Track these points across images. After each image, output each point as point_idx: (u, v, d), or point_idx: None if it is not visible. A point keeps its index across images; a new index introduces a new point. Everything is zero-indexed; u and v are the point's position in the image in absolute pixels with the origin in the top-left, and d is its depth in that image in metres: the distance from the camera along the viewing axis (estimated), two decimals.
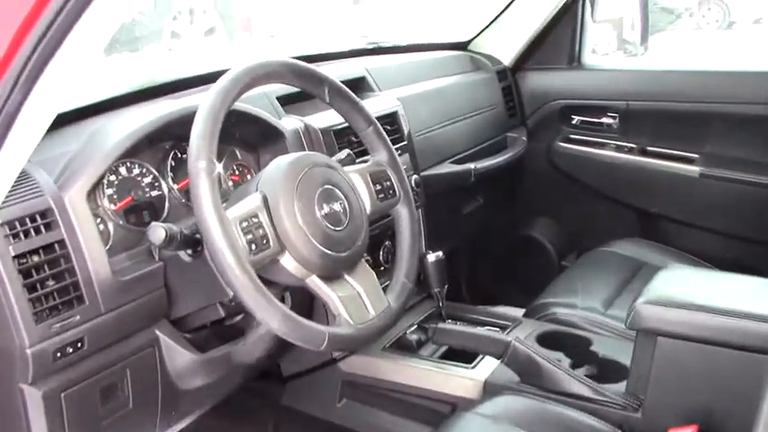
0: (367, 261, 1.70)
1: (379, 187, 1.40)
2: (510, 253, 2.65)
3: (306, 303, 1.58)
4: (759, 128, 2.19)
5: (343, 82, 1.85)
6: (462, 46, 2.53)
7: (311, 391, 1.78)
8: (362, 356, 1.72)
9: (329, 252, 1.21)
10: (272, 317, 1.11)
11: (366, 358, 1.72)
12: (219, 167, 1.52)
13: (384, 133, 1.44)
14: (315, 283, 1.22)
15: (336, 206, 1.25)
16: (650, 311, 1.39)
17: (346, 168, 1.38)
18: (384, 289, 1.34)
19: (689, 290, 1.46)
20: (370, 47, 2.25)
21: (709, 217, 2.31)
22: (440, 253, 1.78)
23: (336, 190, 1.27)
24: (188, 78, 1.66)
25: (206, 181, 1.10)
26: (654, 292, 1.44)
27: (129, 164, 1.37)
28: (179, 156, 1.46)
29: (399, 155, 1.82)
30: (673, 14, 9.51)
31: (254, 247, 1.13)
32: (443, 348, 1.75)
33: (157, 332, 1.32)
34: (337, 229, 1.24)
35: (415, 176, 1.86)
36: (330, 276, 1.24)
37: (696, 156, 2.30)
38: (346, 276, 1.27)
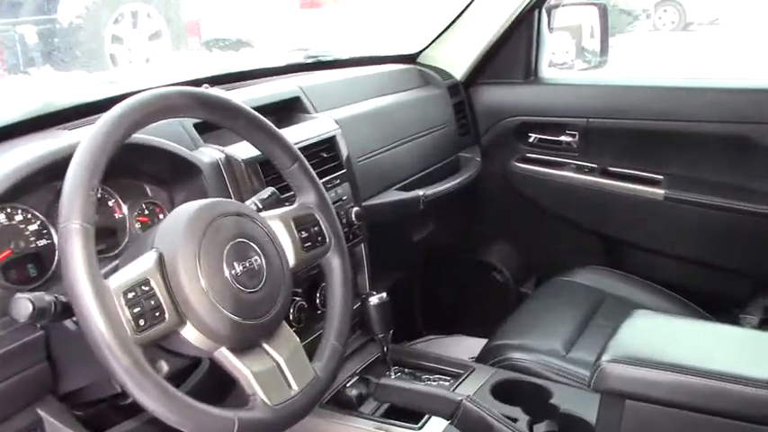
0: (301, 306, 1.55)
1: (305, 234, 1.21)
2: (466, 280, 2.49)
3: None
4: (729, 148, 2.05)
5: (273, 103, 1.69)
6: (411, 58, 2.35)
7: None
8: None
9: (241, 320, 1.02)
10: (161, 406, 0.92)
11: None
12: (124, 209, 1.32)
13: (311, 170, 1.26)
14: (224, 356, 1.03)
15: (250, 263, 1.06)
16: (616, 371, 1.22)
17: (266, 214, 1.19)
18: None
19: (660, 343, 1.29)
20: (308, 61, 2.06)
21: (675, 243, 2.16)
22: (383, 294, 1.60)
23: (251, 243, 1.08)
24: (92, 103, 1.44)
25: (78, 246, 0.90)
26: (620, 347, 1.27)
27: (8, 209, 1.16)
28: None
29: (338, 184, 1.66)
30: (630, 16, 9.57)
31: (142, 322, 0.93)
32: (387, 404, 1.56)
33: (40, 412, 1.11)
34: (252, 290, 1.05)
35: (355, 209, 1.67)
36: (243, 348, 1.05)
37: (661, 177, 2.15)
38: (264, 345, 1.08)
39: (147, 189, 1.37)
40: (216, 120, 1.15)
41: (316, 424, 1.51)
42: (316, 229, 1.22)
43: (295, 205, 1.24)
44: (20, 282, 1.14)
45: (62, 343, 1.09)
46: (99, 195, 1.27)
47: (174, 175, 1.37)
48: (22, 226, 1.17)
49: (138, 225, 1.34)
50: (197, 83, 1.65)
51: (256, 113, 1.19)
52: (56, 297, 0.97)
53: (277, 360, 1.08)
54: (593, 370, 1.25)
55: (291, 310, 1.52)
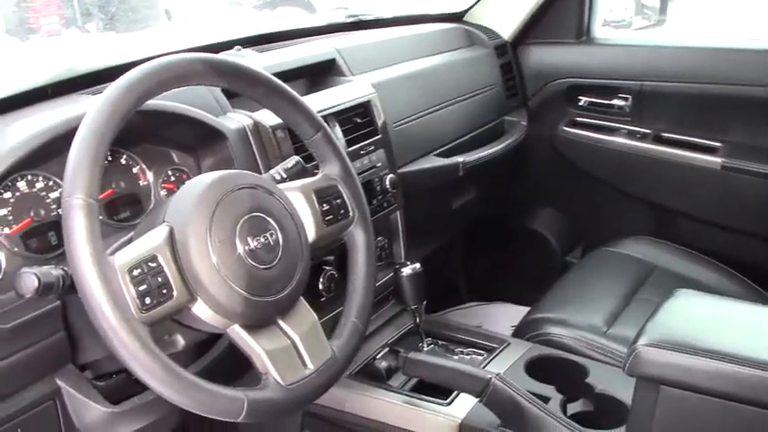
0: (331, 275, 1.51)
1: (326, 207, 1.17)
2: (510, 247, 2.43)
3: None
4: None
5: (307, 66, 1.64)
6: (457, 17, 2.26)
7: (271, 423, 1.57)
8: None
9: (254, 297, 0.99)
10: (165, 386, 0.90)
11: (331, 388, 1.50)
12: (149, 176, 1.30)
13: (335, 140, 1.21)
14: (237, 333, 1.00)
15: (266, 238, 1.03)
16: (652, 356, 1.16)
17: (285, 186, 1.15)
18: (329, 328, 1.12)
19: (702, 327, 1.22)
20: (348, 21, 1.99)
21: (732, 214, 2.05)
22: (417, 264, 1.56)
23: (267, 218, 1.04)
24: (114, 67, 1.41)
25: (82, 221, 0.88)
26: (657, 329, 1.20)
27: (29, 176, 1.15)
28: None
29: (373, 150, 1.61)
30: None
31: (147, 300, 0.91)
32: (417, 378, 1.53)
33: (59, 382, 1.10)
34: (266, 267, 1.02)
35: (390, 175, 1.62)
36: (257, 325, 1.02)
37: (718, 145, 2.03)
38: (279, 322, 1.05)
39: (174, 155, 1.35)
40: (232, 87, 1.11)
41: (344, 395, 1.49)
42: (338, 201, 1.18)
43: (318, 176, 1.19)
44: (40, 250, 1.13)
45: (79, 314, 1.08)
46: (124, 162, 1.27)
47: (200, 142, 1.34)
48: (43, 194, 1.16)
49: (163, 192, 1.32)
50: (229, 45, 1.62)
51: (276, 80, 1.14)
52: (64, 271, 0.95)
53: (292, 338, 1.04)
54: (627, 353, 1.19)
55: (321, 279, 1.49)
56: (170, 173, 1.33)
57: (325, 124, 1.20)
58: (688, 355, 1.13)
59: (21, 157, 1.07)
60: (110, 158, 1.25)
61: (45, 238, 1.15)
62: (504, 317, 2.14)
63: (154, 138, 1.31)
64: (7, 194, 1.11)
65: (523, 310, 2.05)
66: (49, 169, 1.17)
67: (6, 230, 1.11)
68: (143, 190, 1.30)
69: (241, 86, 1.11)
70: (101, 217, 1.19)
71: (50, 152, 1.13)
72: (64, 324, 1.08)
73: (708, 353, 1.12)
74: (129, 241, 1.02)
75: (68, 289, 0.97)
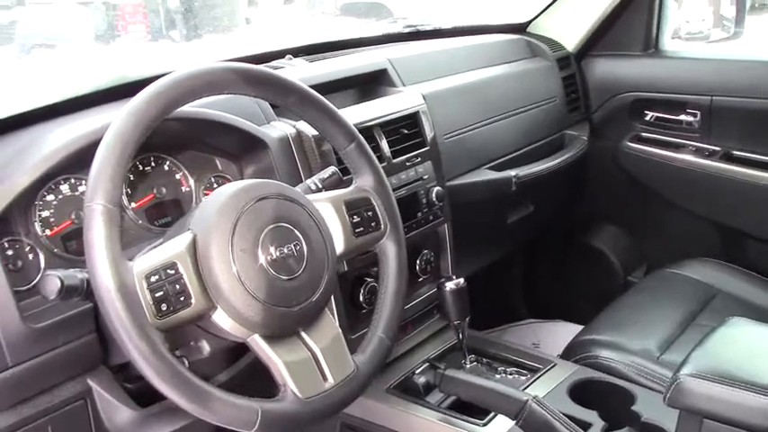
0: (373, 288, 1.49)
1: (357, 219, 1.15)
2: (570, 264, 2.36)
3: None
4: None
5: (357, 76, 1.63)
6: (520, 28, 2.21)
7: None
8: (364, 398, 1.48)
9: (274, 307, 0.99)
10: (178, 394, 0.90)
11: (367, 401, 1.48)
12: (191, 182, 1.31)
13: (369, 151, 1.20)
14: (257, 343, 1.00)
15: (290, 249, 1.02)
16: (694, 387, 1.10)
17: (316, 197, 1.14)
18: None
19: (751, 358, 1.15)
20: (405, 31, 1.97)
21: None
22: (461, 280, 1.52)
23: (292, 228, 1.03)
24: (158, 76, 1.44)
25: (101, 226, 0.89)
26: (703, 359, 1.14)
27: (73, 180, 1.18)
28: (140, 168, 1.26)
29: (419, 162, 1.59)
30: None
31: (164, 306, 0.91)
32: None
33: (90, 382, 1.12)
34: (289, 277, 1.01)
35: (437, 188, 1.59)
36: (278, 335, 1.01)
37: None
38: (302, 333, 1.04)
39: (217, 162, 1.36)
40: (265, 96, 1.12)
41: (381, 409, 1.47)
42: (369, 213, 1.16)
43: (350, 188, 1.18)
44: (79, 253, 1.16)
45: None
46: (167, 168, 1.28)
47: (243, 150, 1.35)
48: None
49: (204, 198, 1.33)
50: (281, 54, 1.63)
51: (309, 89, 1.14)
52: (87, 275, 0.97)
53: (313, 350, 1.03)
54: (669, 382, 1.13)
55: (362, 291, 1.48)
56: (213, 180, 1.35)
57: (360, 135, 1.19)
58: (732, 388, 1.07)
59: (60, 160, 1.10)
60: (153, 164, 1.27)
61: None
62: (562, 335, 2.07)
63: (198, 145, 1.32)
64: (50, 197, 1.15)
65: (581, 329, 1.99)
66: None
67: (48, 232, 1.14)
68: (185, 196, 1.32)
69: (273, 96, 1.12)
70: (141, 222, 1.22)
71: (93, 156, 1.16)
72: (96, 326, 1.10)
73: (754, 386, 1.06)
74: (156, 247, 1.03)
75: (91, 293, 0.98)
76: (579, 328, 2.04)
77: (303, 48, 1.68)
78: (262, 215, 1.01)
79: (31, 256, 1.12)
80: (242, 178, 1.37)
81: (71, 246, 1.16)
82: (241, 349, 1.24)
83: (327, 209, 1.13)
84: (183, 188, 1.32)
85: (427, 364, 1.56)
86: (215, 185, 1.35)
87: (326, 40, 1.77)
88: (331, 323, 1.08)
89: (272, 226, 1.01)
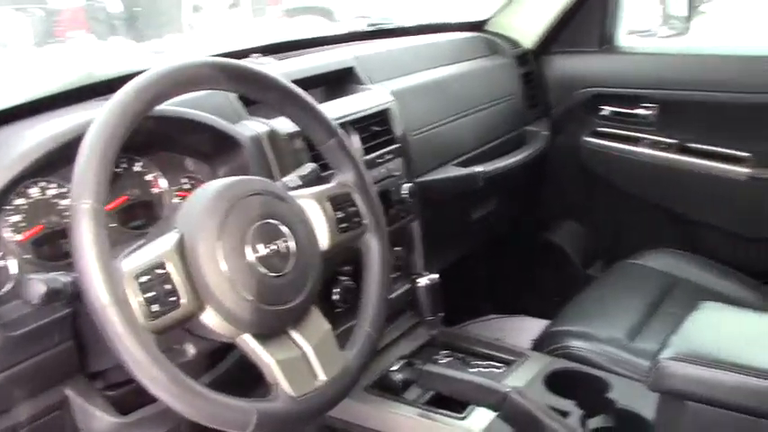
0: (348, 286, 1.49)
1: (341, 215, 1.14)
2: (531, 259, 2.38)
3: None
4: None
5: (325, 74, 1.63)
6: (478, 26, 2.23)
7: None
8: None
9: (264, 306, 0.97)
10: (172, 396, 0.88)
11: (346, 401, 1.47)
12: (164, 183, 1.29)
13: (350, 147, 1.19)
14: (246, 343, 0.98)
15: (277, 245, 1.01)
16: (677, 370, 1.12)
17: (299, 192, 1.13)
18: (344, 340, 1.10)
19: (728, 340, 1.18)
20: (368, 29, 1.97)
21: (758, 226, 2.00)
22: (435, 276, 1.54)
23: (279, 224, 1.02)
24: (132, 74, 1.40)
25: (89, 226, 0.86)
26: (682, 343, 1.17)
27: (42, 183, 1.14)
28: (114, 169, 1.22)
29: (390, 159, 1.59)
30: None
31: (155, 308, 0.89)
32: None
33: (68, 391, 1.09)
34: (278, 274, 1.00)
35: (408, 185, 1.60)
36: (267, 334, 1.00)
37: (746, 155, 1.98)
38: (291, 332, 1.03)
39: (188, 163, 1.34)
40: (246, 92, 1.10)
41: (359, 408, 1.47)
42: (353, 209, 1.16)
43: (332, 183, 1.17)
44: (51, 258, 1.12)
45: (89, 322, 1.06)
46: (138, 169, 1.25)
47: (215, 149, 1.33)
48: (56, 201, 1.15)
49: (176, 200, 1.30)
50: (247, 53, 1.61)
51: (290, 85, 1.13)
52: (73, 278, 0.94)
53: (304, 348, 1.02)
54: (650, 367, 1.15)
55: (337, 291, 1.47)
56: (184, 180, 1.32)
57: (340, 130, 1.18)
58: (714, 369, 1.10)
59: (31, 162, 1.06)
60: (124, 166, 1.24)
61: (56, 246, 1.14)
62: (524, 330, 2.11)
63: (169, 145, 1.30)
64: (20, 201, 1.11)
65: (544, 323, 2.01)
66: (62, 176, 1.16)
67: (18, 237, 1.10)
68: (156, 197, 1.29)
69: (254, 91, 1.10)
70: (114, 224, 1.18)
71: (63, 158, 1.12)
72: (73, 333, 1.07)
73: (734, 367, 1.09)
74: (140, 248, 1.01)
75: (77, 296, 0.95)
76: (541, 322, 2.07)
77: (270, 46, 1.66)
78: (249, 212, 1.00)
79: (0, 263, 1.08)
80: (214, 178, 1.35)
81: (43, 251, 1.12)
82: (221, 351, 1.22)
83: (311, 205, 1.11)
84: (155, 190, 1.29)
85: (403, 361, 1.56)
86: (186, 186, 1.32)
87: (292, 39, 1.75)
88: (320, 320, 1.07)
89: (259, 223, 1.00)
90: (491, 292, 2.44)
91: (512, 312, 2.34)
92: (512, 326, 2.31)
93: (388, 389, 1.49)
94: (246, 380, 1.15)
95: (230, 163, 1.34)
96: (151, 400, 1.18)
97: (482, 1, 2.35)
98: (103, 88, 1.35)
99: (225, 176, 1.31)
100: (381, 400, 1.46)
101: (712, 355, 1.12)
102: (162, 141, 1.28)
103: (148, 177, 1.28)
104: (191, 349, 1.08)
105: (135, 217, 1.24)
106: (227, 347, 1.22)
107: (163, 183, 1.29)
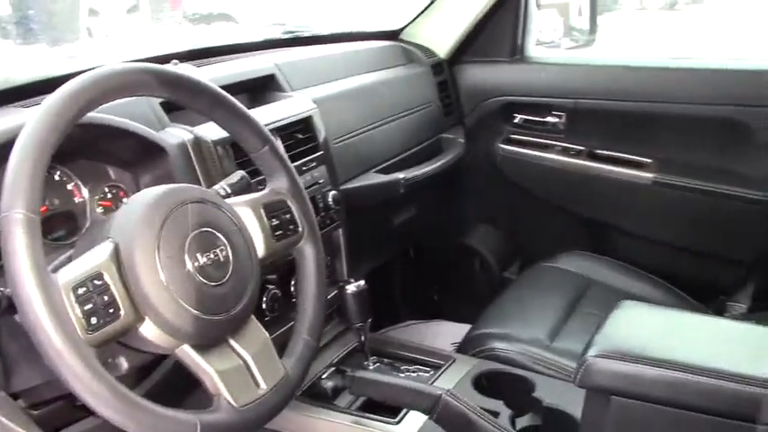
0: (275, 295, 1.47)
1: (276, 222, 1.13)
2: (448, 264, 2.42)
3: None
4: (719, 131, 1.98)
5: (246, 81, 1.61)
6: (393, 35, 2.26)
7: None
8: None
9: (204, 315, 0.95)
10: (114, 411, 0.85)
11: None
12: (84, 193, 1.24)
13: (283, 154, 1.18)
14: (186, 354, 0.96)
15: (215, 254, 0.99)
16: (603, 366, 1.16)
17: (233, 200, 1.11)
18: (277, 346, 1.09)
19: (649, 337, 1.23)
20: (286, 37, 1.96)
21: (663, 228, 2.10)
22: (361, 282, 1.54)
23: (216, 233, 1.00)
24: (52, 78, 1.35)
25: (22, 237, 0.82)
26: (607, 340, 1.21)
27: None
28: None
29: (315, 167, 1.58)
30: None
31: (94, 320, 0.86)
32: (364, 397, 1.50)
33: None
34: (217, 283, 0.98)
35: (332, 192, 1.60)
36: (207, 344, 0.98)
37: (649, 161, 2.08)
38: (230, 341, 1.01)
39: (110, 171, 1.29)
40: (178, 99, 1.07)
41: (290, 417, 1.45)
42: (287, 216, 1.15)
43: (265, 191, 1.16)
44: None
45: (13, 338, 1.02)
46: (58, 178, 1.20)
47: (139, 157, 1.29)
48: None
49: (99, 210, 1.26)
50: (165, 59, 1.57)
51: (223, 92, 1.11)
52: (1, 291, 0.89)
53: (244, 357, 1.01)
54: (578, 365, 1.19)
55: (264, 299, 1.45)
56: (106, 190, 1.28)
57: (272, 138, 1.17)
58: (638, 364, 1.14)
59: None
60: None
61: None
62: (443, 334, 2.14)
63: (90, 153, 1.25)
64: None
65: (462, 327, 2.05)
66: None
67: None
68: (78, 207, 1.24)
69: (187, 98, 1.08)
70: None
71: None
72: None
73: (656, 361, 1.13)
74: (69, 260, 0.97)
75: (5, 310, 0.91)
76: (458, 326, 2.11)
77: (188, 53, 1.63)
78: (186, 220, 0.97)
79: None
80: (137, 187, 1.31)
81: None
82: (152, 364, 1.19)
83: (247, 213, 1.10)
84: (76, 199, 1.24)
85: (333, 368, 1.55)
86: (109, 195, 1.28)
87: (211, 45, 1.72)
88: (258, 329, 1.06)
89: (196, 231, 0.98)
90: (409, 298, 2.46)
91: (429, 317, 2.36)
92: (431, 331, 2.33)
93: (319, 396, 1.48)
94: (175, 392, 1.12)
95: (154, 171, 1.30)
96: (79, 417, 1.14)
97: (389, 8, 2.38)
98: (20, 94, 1.30)
99: (149, 185, 1.28)
100: (313, 408, 1.46)
101: (635, 351, 1.17)
102: (84, 149, 1.23)
103: (69, 186, 1.23)
104: (124, 363, 1.04)
105: (55, 228, 1.19)
106: (155, 361, 1.19)
107: (84, 192, 1.25)
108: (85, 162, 1.25)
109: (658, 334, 1.25)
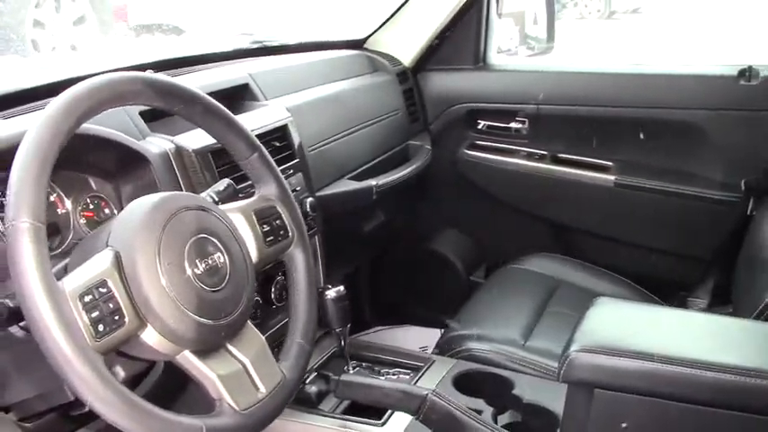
0: (256, 302, 1.48)
1: (267, 228, 1.15)
2: (415, 269, 2.45)
3: None
4: (676, 134, 2.06)
5: (222, 90, 1.61)
6: (358, 44, 2.29)
7: None
8: None
9: (205, 321, 0.96)
10: (125, 417, 0.85)
11: None
12: (67, 204, 1.23)
13: (272, 160, 1.20)
14: (187, 360, 0.97)
15: (213, 260, 1.00)
16: (585, 360, 1.20)
17: (225, 207, 1.12)
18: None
19: (629, 331, 1.28)
20: (254, 47, 1.97)
21: (625, 228, 2.17)
22: (341, 288, 1.55)
23: (213, 239, 1.01)
24: (30, 89, 1.34)
25: (29, 246, 0.82)
26: (588, 336, 1.25)
27: None
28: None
29: (292, 174, 1.60)
30: (559, 3, 9.76)
31: (101, 327, 0.86)
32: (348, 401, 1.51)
33: None
34: (215, 289, 0.99)
35: (310, 199, 1.62)
36: (207, 350, 0.99)
37: (610, 164, 2.15)
38: (229, 346, 1.02)
39: (92, 182, 1.29)
40: (171, 107, 1.08)
41: (276, 423, 1.44)
42: (278, 222, 1.16)
43: (255, 197, 1.17)
44: None
45: (6, 352, 1.01)
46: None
47: (121, 167, 1.29)
48: None
49: (83, 221, 1.26)
50: (140, 69, 1.56)
51: (212, 100, 1.12)
52: (1, 302, 0.89)
53: (243, 362, 1.02)
54: (561, 361, 1.22)
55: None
56: (88, 200, 1.27)
57: (261, 145, 1.19)
58: (620, 357, 1.18)
59: None
60: None
61: None
62: (411, 340, 2.16)
63: (72, 164, 1.24)
64: None
65: (430, 332, 2.08)
66: None
67: None
68: (62, 219, 1.23)
69: (179, 107, 1.08)
70: None
71: None
72: None
73: (638, 354, 1.18)
74: (65, 269, 0.96)
75: (6, 321, 0.91)
76: (427, 331, 2.14)
77: (161, 62, 1.62)
78: (184, 227, 0.98)
79: None
80: (119, 198, 1.31)
81: None
82: (142, 374, 1.18)
83: (239, 219, 1.11)
84: (60, 210, 1.23)
85: (315, 373, 1.57)
86: (91, 206, 1.28)
87: (182, 55, 1.72)
88: (255, 333, 1.07)
89: (194, 238, 0.99)
90: (377, 304, 2.48)
91: (396, 323, 2.38)
92: (399, 336, 2.35)
93: (303, 401, 1.49)
94: (166, 399, 1.13)
95: (136, 181, 1.30)
96: (70, 430, 1.14)
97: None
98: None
99: (131, 196, 1.28)
100: (297, 413, 1.47)
101: (616, 345, 1.21)
102: (66, 160, 1.22)
103: (52, 198, 1.22)
104: (120, 372, 1.04)
105: None
106: (147, 369, 1.19)
107: (68, 203, 1.24)
108: (67, 173, 1.25)
109: (636, 328, 1.30)
